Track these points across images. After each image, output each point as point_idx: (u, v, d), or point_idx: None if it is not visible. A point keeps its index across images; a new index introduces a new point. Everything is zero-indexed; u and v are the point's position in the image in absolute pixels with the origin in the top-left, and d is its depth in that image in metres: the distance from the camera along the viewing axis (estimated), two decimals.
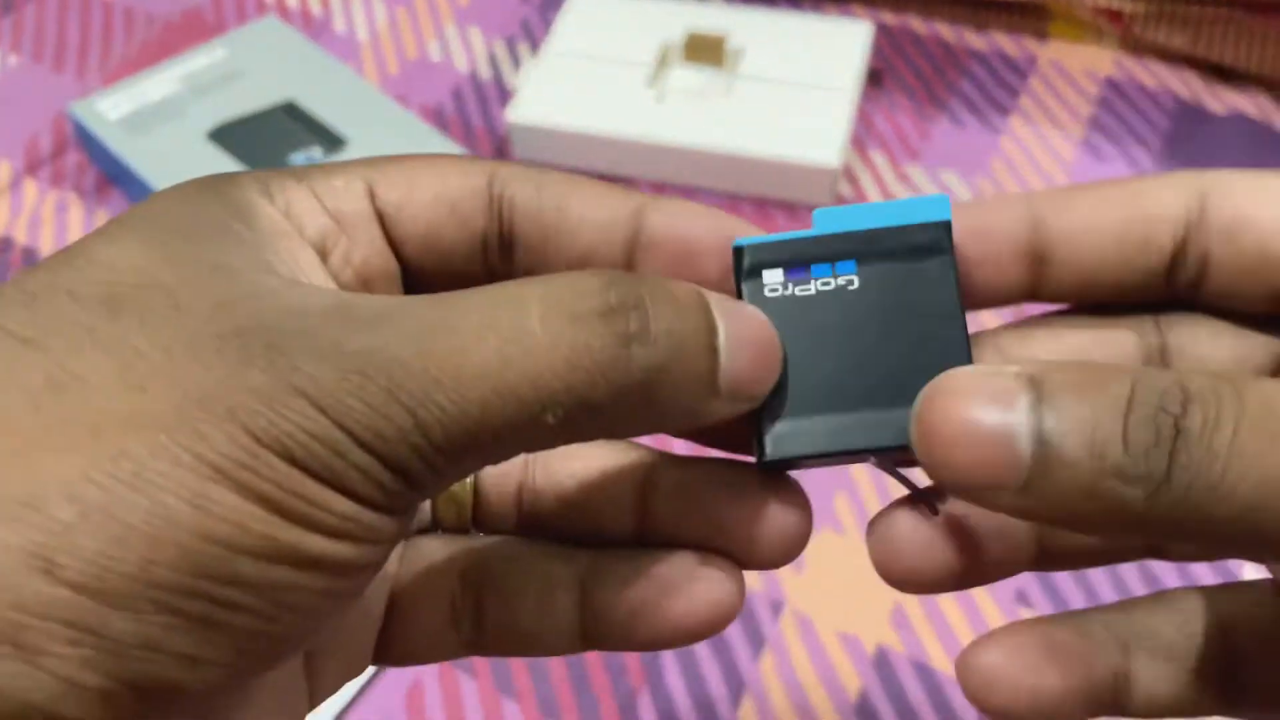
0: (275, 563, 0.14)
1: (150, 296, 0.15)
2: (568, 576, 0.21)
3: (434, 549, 0.22)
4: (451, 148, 0.51)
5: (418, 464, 0.15)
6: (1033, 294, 0.20)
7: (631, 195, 0.20)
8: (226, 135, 0.52)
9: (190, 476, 0.14)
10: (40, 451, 0.14)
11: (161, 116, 0.53)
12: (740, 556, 0.20)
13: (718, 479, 0.20)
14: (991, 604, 0.39)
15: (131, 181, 0.52)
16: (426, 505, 0.22)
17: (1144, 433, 0.15)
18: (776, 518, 0.20)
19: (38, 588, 0.13)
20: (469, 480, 0.21)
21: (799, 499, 0.20)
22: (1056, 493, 0.15)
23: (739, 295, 0.19)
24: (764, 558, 0.20)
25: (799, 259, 0.19)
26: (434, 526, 0.22)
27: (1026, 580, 0.40)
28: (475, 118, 0.57)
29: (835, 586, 0.40)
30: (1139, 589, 0.39)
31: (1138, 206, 0.19)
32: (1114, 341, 0.20)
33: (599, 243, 0.20)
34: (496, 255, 0.20)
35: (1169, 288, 0.19)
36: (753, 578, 0.40)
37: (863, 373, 0.19)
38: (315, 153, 0.51)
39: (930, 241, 0.19)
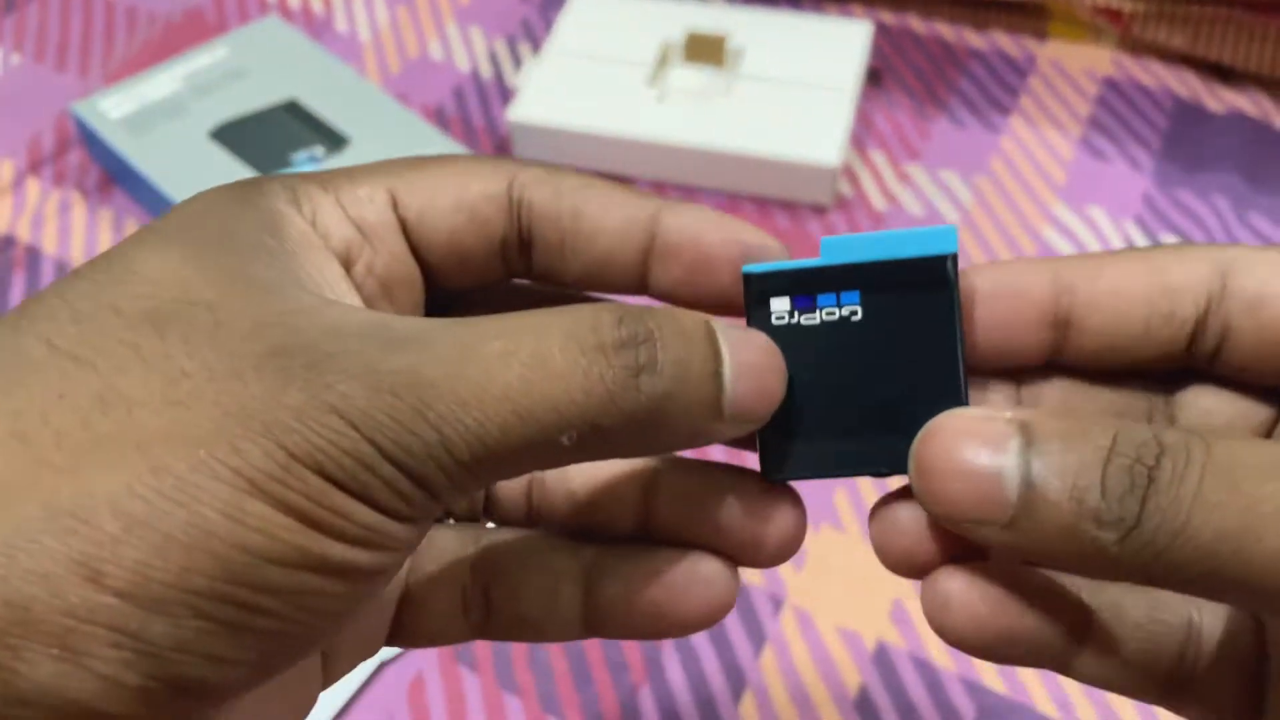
0: (302, 570, 0.15)
1: (193, 314, 0.16)
2: (573, 569, 0.21)
3: (447, 539, 0.23)
4: (453, 147, 0.51)
5: (440, 478, 0.16)
6: (1053, 357, 0.20)
7: (647, 199, 0.21)
8: (228, 134, 0.52)
9: (227, 490, 0.15)
10: (89, 467, 0.15)
11: (163, 115, 0.53)
12: (737, 557, 0.21)
13: (718, 484, 0.21)
14: None
15: (134, 180, 0.52)
16: None
17: (1120, 481, 0.16)
18: (773, 523, 0.21)
19: (85, 595, 0.14)
20: None
21: (795, 505, 0.21)
22: (1039, 532, 0.17)
23: (748, 320, 0.20)
24: (760, 559, 0.21)
25: (806, 288, 0.20)
26: (446, 516, 0.23)
27: None
28: (476, 117, 0.58)
29: (835, 582, 0.40)
30: None
31: (1162, 278, 0.19)
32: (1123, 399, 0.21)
33: (615, 248, 0.20)
34: (515, 256, 0.21)
35: (1187, 357, 0.20)
36: (754, 574, 0.40)
37: (863, 400, 0.20)
38: (317, 151, 0.51)
39: (934, 276, 0.20)
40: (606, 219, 0.20)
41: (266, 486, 0.15)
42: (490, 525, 0.23)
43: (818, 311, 0.20)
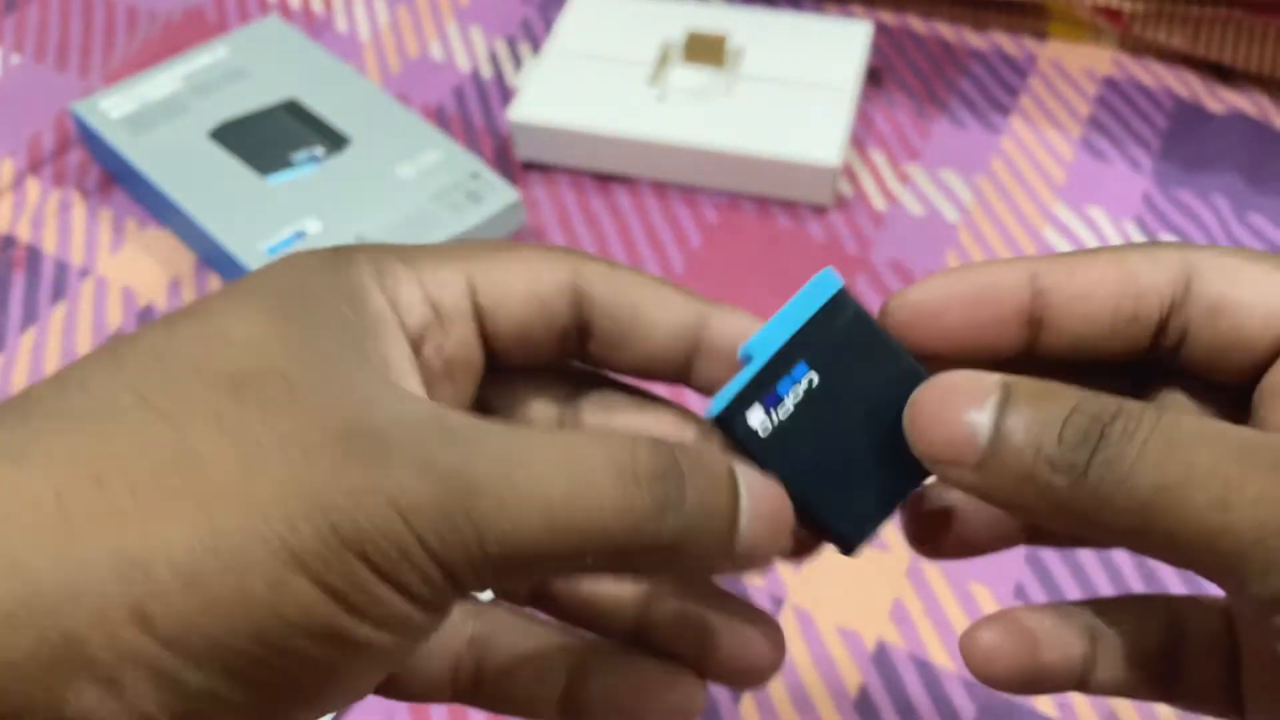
0: (328, 643, 0.17)
1: (271, 385, 0.18)
2: (563, 660, 0.23)
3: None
4: (453, 147, 0.51)
5: (469, 572, 0.17)
6: (1027, 351, 0.22)
7: (697, 301, 0.23)
8: (228, 134, 0.52)
9: (275, 563, 0.16)
10: (156, 519, 0.16)
11: (164, 115, 0.53)
12: (713, 675, 0.23)
13: (712, 609, 0.23)
14: (990, 599, 0.39)
15: (134, 180, 0.52)
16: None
17: (1075, 434, 0.18)
18: (754, 650, 0.23)
19: (132, 636, 0.16)
20: None
21: (776, 637, 0.23)
22: (1002, 476, 0.19)
23: (742, 447, 0.22)
24: (733, 681, 0.23)
25: (765, 389, 0.21)
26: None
27: (1025, 576, 0.40)
28: (477, 117, 0.58)
29: (835, 582, 0.40)
30: (1136, 585, 0.40)
31: (1133, 284, 0.21)
32: None
33: (667, 345, 0.23)
34: (573, 343, 0.23)
35: (1149, 353, 0.22)
36: (754, 574, 0.40)
37: (868, 439, 0.22)
38: (317, 151, 0.51)
39: (842, 311, 0.22)
40: (661, 318, 0.22)
41: (311, 564, 0.16)
42: (489, 596, 0.25)
43: (787, 399, 0.21)
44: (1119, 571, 0.40)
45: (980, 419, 0.19)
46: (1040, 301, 0.21)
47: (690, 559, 0.19)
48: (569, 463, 0.18)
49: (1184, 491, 0.17)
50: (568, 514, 0.17)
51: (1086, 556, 0.40)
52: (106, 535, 0.16)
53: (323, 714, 0.18)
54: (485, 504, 0.17)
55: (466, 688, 0.23)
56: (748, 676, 0.23)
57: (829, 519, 0.22)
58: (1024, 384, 0.19)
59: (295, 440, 0.17)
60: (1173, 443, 0.18)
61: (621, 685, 0.23)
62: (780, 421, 0.21)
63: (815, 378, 0.21)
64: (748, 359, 0.22)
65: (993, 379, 0.19)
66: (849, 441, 0.22)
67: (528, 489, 0.17)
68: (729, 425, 0.21)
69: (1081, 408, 0.18)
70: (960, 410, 0.19)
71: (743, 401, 0.21)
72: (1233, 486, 0.17)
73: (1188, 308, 0.21)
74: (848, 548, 0.22)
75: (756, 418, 0.21)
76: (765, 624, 0.23)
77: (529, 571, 0.18)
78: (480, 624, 0.23)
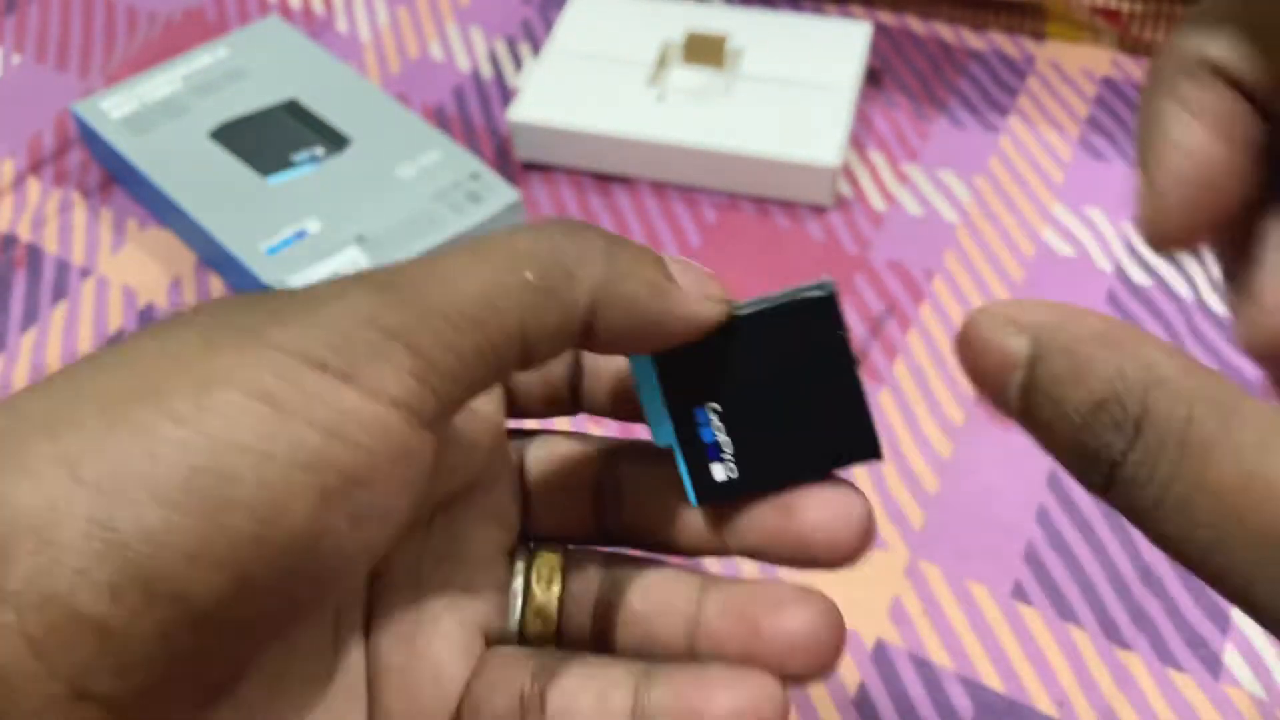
0: (273, 462, 0.17)
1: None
2: (624, 679, 0.22)
3: (512, 652, 0.24)
4: (453, 147, 0.52)
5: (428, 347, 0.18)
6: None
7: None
8: (229, 134, 0.52)
9: (192, 381, 0.17)
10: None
11: (164, 115, 0.53)
12: (772, 668, 0.22)
13: (760, 597, 0.23)
14: (989, 599, 0.39)
15: (134, 180, 0.52)
16: (514, 621, 0.24)
17: (1093, 447, 0.17)
18: (809, 632, 0.22)
19: (63, 486, 0.16)
20: (555, 592, 0.24)
21: (835, 616, 0.23)
22: (1037, 418, 0.18)
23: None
24: (795, 674, 0.23)
25: (700, 452, 0.23)
26: (520, 640, 0.24)
27: (1024, 575, 0.40)
28: (477, 117, 0.58)
29: (834, 581, 0.40)
30: (1136, 587, 0.40)
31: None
32: None
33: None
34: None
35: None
36: (754, 571, 0.40)
37: (802, 410, 0.23)
38: (317, 151, 0.51)
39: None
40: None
41: (236, 377, 0.17)
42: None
43: (719, 437, 0.23)
44: (1119, 574, 0.40)
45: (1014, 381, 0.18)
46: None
47: (622, 310, 0.20)
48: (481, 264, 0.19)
49: (1247, 501, 0.15)
50: (491, 293, 0.19)
51: (1085, 557, 0.40)
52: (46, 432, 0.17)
53: (299, 564, 0.18)
54: (416, 285, 0.19)
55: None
56: (805, 669, 0.22)
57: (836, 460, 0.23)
58: (1048, 364, 0.17)
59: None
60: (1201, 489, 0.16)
61: (682, 691, 0.22)
62: (735, 454, 0.23)
63: (715, 405, 0.23)
64: (668, 447, 0.23)
65: (1020, 350, 0.18)
66: (789, 418, 0.23)
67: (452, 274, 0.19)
68: (713, 497, 0.23)
69: (1088, 432, 0.17)
70: (994, 350, 0.18)
71: (697, 478, 0.23)
72: None
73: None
74: (874, 450, 0.23)
75: (720, 474, 0.23)
76: (820, 604, 0.23)
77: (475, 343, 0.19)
78: (542, 659, 0.23)
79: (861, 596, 0.39)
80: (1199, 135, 0.20)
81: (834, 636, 0.22)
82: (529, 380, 0.25)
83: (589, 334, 0.20)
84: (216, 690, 0.19)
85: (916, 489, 0.42)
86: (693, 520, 0.24)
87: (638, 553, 0.25)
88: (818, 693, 0.38)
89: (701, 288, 0.22)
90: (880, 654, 0.38)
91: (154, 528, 0.16)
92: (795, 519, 0.23)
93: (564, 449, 0.26)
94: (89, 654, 0.16)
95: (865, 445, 0.23)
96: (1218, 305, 0.48)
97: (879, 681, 0.38)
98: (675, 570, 0.24)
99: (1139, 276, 0.49)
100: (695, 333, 0.22)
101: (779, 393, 0.22)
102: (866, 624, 0.39)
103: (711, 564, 0.39)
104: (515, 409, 0.25)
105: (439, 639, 0.23)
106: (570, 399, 0.25)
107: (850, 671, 0.38)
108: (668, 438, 0.23)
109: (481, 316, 0.19)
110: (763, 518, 0.23)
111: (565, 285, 0.20)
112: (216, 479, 0.16)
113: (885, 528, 0.41)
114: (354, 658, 0.22)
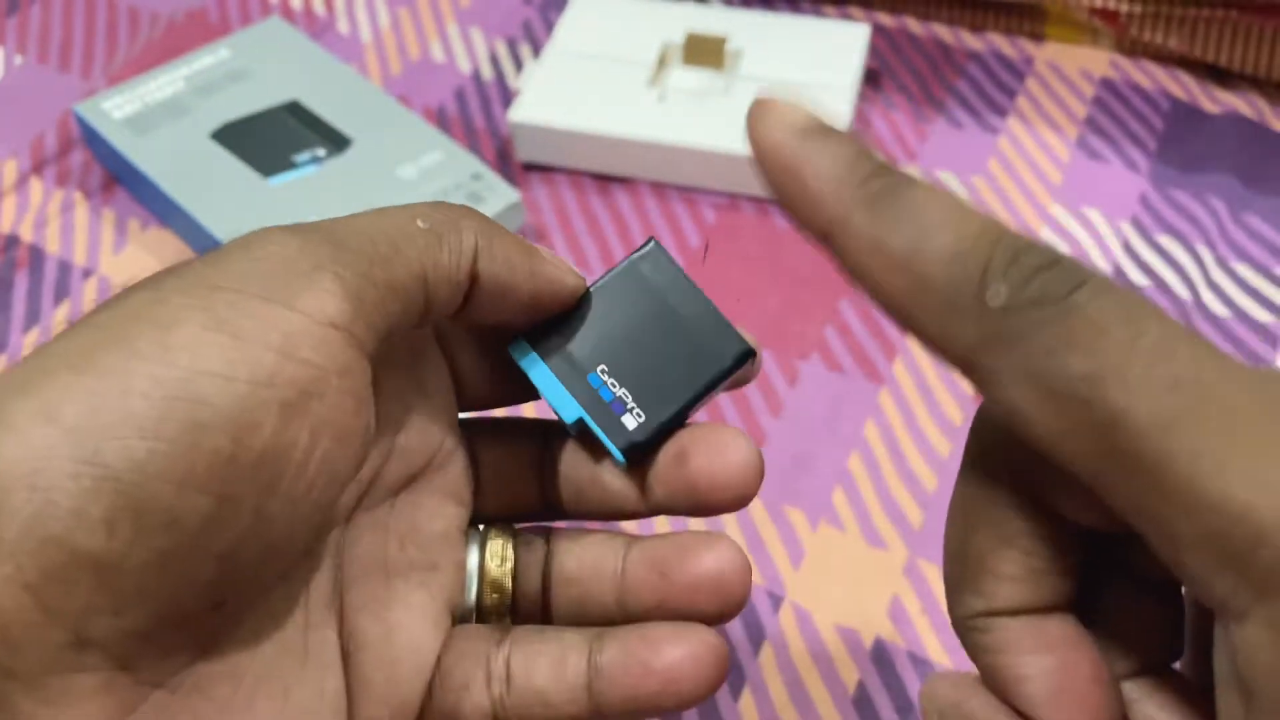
0: (237, 381, 0.18)
1: None
2: (579, 643, 0.24)
3: (473, 626, 0.26)
4: (454, 148, 0.52)
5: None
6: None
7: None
8: (230, 135, 0.52)
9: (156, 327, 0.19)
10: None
11: (166, 116, 0.53)
12: (684, 611, 0.25)
13: (672, 547, 0.25)
14: None
15: (136, 180, 0.52)
16: (472, 596, 0.26)
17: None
18: (715, 574, 0.25)
19: (45, 433, 0.17)
20: (509, 568, 0.26)
21: (738, 558, 0.25)
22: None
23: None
24: (706, 615, 0.25)
25: (604, 412, 0.25)
26: (477, 617, 0.26)
27: None
28: (478, 117, 0.58)
29: (834, 580, 0.40)
30: None
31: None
32: None
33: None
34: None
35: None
36: (753, 572, 0.40)
37: (671, 352, 0.26)
38: (319, 152, 0.52)
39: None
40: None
41: (192, 316, 0.19)
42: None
43: (618, 392, 0.25)
44: None
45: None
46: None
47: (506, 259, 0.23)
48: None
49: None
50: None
51: None
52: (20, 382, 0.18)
53: (261, 478, 0.19)
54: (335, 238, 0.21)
55: (500, 694, 0.24)
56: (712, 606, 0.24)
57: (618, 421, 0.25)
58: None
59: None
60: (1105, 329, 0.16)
61: (631, 645, 0.24)
62: (635, 400, 0.25)
63: (603, 366, 0.25)
64: (579, 422, 0.25)
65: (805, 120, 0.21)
66: (668, 354, 0.26)
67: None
68: (637, 451, 0.25)
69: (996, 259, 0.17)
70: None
71: (614, 434, 0.25)
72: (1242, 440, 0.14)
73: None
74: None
75: (631, 423, 0.25)
76: (717, 544, 0.25)
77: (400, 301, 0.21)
78: (502, 632, 0.25)
79: (861, 595, 0.40)
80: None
81: (739, 577, 0.24)
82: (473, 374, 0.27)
83: (474, 288, 0.23)
84: (208, 637, 0.20)
85: (916, 488, 0.42)
86: (615, 485, 0.26)
87: (576, 525, 0.28)
88: (818, 692, 0.38)
89: (564, 264, 0.25)
90: (879, 653, 0.39)
91: (140, 458, 0.17)
92: (686, 466, 0.25)
93: (508, 430, 0.28)
94: (88, 594, 0.17)
95: (737, 348, 0.26)
96: (1216, 305, 0.48)
97: (878, 681, 0.38)
98: (606, 535, 0.26)
99: (1137, 277, 0.50)
100: (562, 296, 0.25)
101: (650, 336, 0.25)
102: (866, 623, 0.39)
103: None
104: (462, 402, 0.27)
105: (412, 612, 0.25)
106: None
107: (849, 671, 0.38)
108: (575, 411, 0.25)
109: (388, 254, 0.21)
110: (665, 471, 0.25)
111: (453, 232, 0.23)
112: (190, 405, 0.18)
113: (884, 527, 0.41)
114: (325, 634, 0.23)
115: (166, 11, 0.64)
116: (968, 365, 0.17)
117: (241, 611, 0.21)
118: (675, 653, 0.23)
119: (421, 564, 0.25)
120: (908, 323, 0.18)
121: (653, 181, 0.54)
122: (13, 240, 0.53)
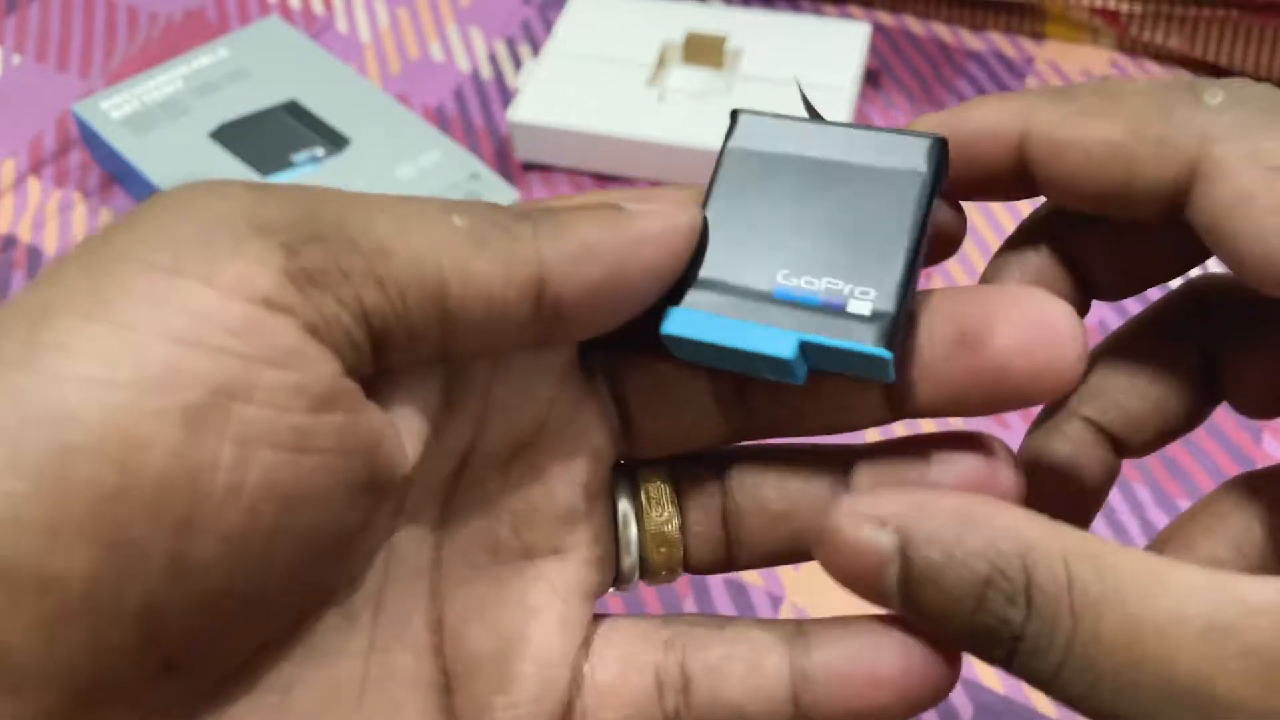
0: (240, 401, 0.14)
1: None
2: (772, 642, 0.20)
3: (629, 622, 0.21)
4: (453, 147, 0.52)
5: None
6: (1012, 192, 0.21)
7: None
8: (229, 134, 0.52)
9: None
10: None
11: (164, 116, 0.53)
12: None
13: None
14: None
15: (135, 180, 0.52)
16: (632, 558, 0.21)
17: (989, 626, 0.17)
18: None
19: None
20: (674, 512, 0.21)
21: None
22: (925, 606, 0.17)
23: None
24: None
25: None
26: (642, 575, 0.22)
27: None
28: (477, 117, 0.58)
29: (833, 581, 0.40)
30: None
31: (1133, 155, 0.18)
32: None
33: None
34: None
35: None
36: (752, 573, 0.40)
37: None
38: (318, 152, 0.51)
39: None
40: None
41: (73, 300, 0.15)
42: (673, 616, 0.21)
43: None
44: None
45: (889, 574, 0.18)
46: (1027, 148, 0.19)
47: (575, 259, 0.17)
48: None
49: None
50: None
51: None
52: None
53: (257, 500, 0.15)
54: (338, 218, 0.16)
55: (676, 707, 0.20)
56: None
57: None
58: (920, 553, 0.17)
59: None
60: (1095, 660, 0.16)
61: (842, 649, 0.20)
62: (851, 288, 0.19)
63: (784, 271, 0.19)
64: (802, 351, 0.18)
65: (888, 544, 0.17)
66: (851, 218, 0.20)
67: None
68: (895, 336, 0.18)
69: (984, 611, 0.16)
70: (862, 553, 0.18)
71: (854, 333, 0.18)
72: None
73: (1198, 208, 0.18)
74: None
75: (864, 307, 0.19)
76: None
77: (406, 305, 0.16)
78: (671, 628, 0.20)
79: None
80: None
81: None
82: None
83: (544, 303, 0.17)
84: (181, 703, 0.15)
85: None
86: (844, 388, 0.20)
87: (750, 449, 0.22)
88: None
89: (658, 207, 0.19)
90: None
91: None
92: (987, 348, 0.18)
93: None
94: None
95: (924, 145, 0.19)
96: None
97: None
98: (807, 453, 0.21)
99: None
100: (680, 245, 0.19)
101: (813, 205, 0.19)
102: None
103: None
104: None
105: (536, 618, 0.20)
106: None
107: None
108: (790, 341, 0.18)
109: (389, 246, 0.16)
110: (941, 362, 0.19)
111: (499, 239, 0.17)
112: (54, 424, 0.13)
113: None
114: (399, 660, 0.18)
115: (165, 11, 0.64)
116: (1194, 164, 0.18)
117: (223, 670, 0.16)
118: (900, 661, 0.19)
119: (542, 549, 0.20)
120: (1128, 166, 0.18)
121: (652, 181, 0.54)
122: (10, 240, 0.52)
